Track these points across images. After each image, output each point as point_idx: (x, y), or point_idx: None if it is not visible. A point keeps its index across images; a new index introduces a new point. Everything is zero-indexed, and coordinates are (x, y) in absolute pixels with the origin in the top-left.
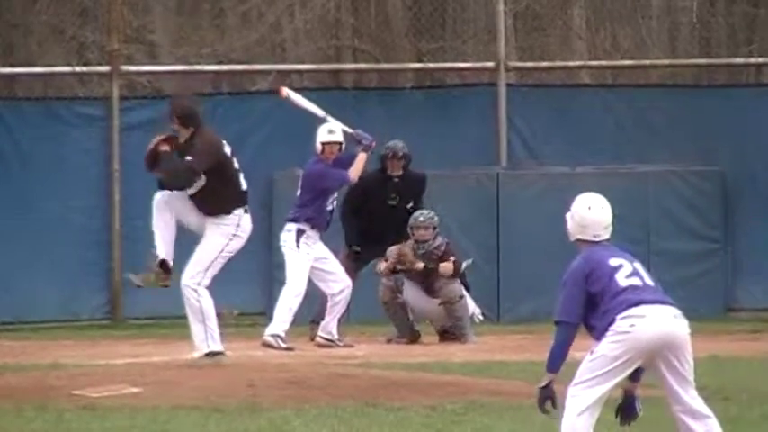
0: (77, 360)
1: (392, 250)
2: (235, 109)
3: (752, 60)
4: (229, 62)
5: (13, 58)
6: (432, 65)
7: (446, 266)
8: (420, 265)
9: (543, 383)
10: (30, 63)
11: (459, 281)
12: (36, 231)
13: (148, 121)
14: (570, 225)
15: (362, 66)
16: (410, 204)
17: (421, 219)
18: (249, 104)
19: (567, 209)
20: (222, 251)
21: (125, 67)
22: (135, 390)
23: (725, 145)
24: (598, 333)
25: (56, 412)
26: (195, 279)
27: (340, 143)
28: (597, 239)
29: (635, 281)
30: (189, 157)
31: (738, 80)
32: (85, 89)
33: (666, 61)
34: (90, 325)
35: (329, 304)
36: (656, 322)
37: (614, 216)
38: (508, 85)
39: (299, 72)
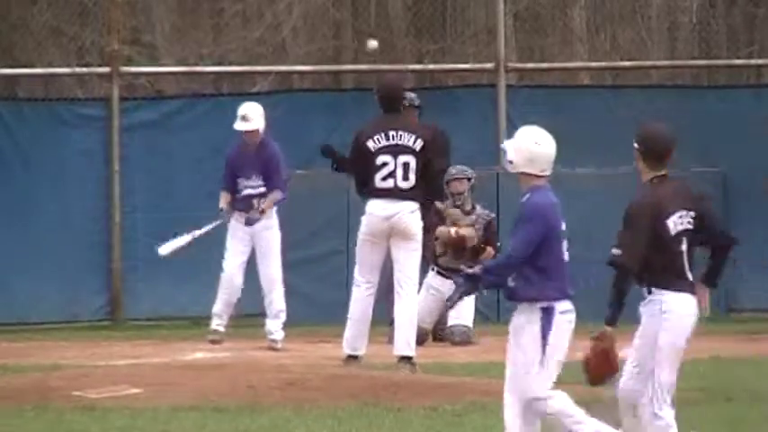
0: (78, 361)
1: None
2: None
3: (752, 61)
4: (229, 63)
5: (13, 59)
6: (432, 66)
7: (489, 253)
8: (472, 234)
9: None
10: (30, 64)
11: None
12: (36, 232)
13: (148, 121)
14: None
15: (362, 66)
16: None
17: (453, 171)
18: None
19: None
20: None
21: (125, 68)
22: (135, 390)
23: (725, 145)
24: None
25: (56, 413)
26: None
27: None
28: None
29: None
30: None
31: (738, 81)
32: (85, 90)
33: (666, 62)
34: (90, 326)
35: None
36: None
37: (615, 216)
38: (508, 86)
39: (300, 73)
